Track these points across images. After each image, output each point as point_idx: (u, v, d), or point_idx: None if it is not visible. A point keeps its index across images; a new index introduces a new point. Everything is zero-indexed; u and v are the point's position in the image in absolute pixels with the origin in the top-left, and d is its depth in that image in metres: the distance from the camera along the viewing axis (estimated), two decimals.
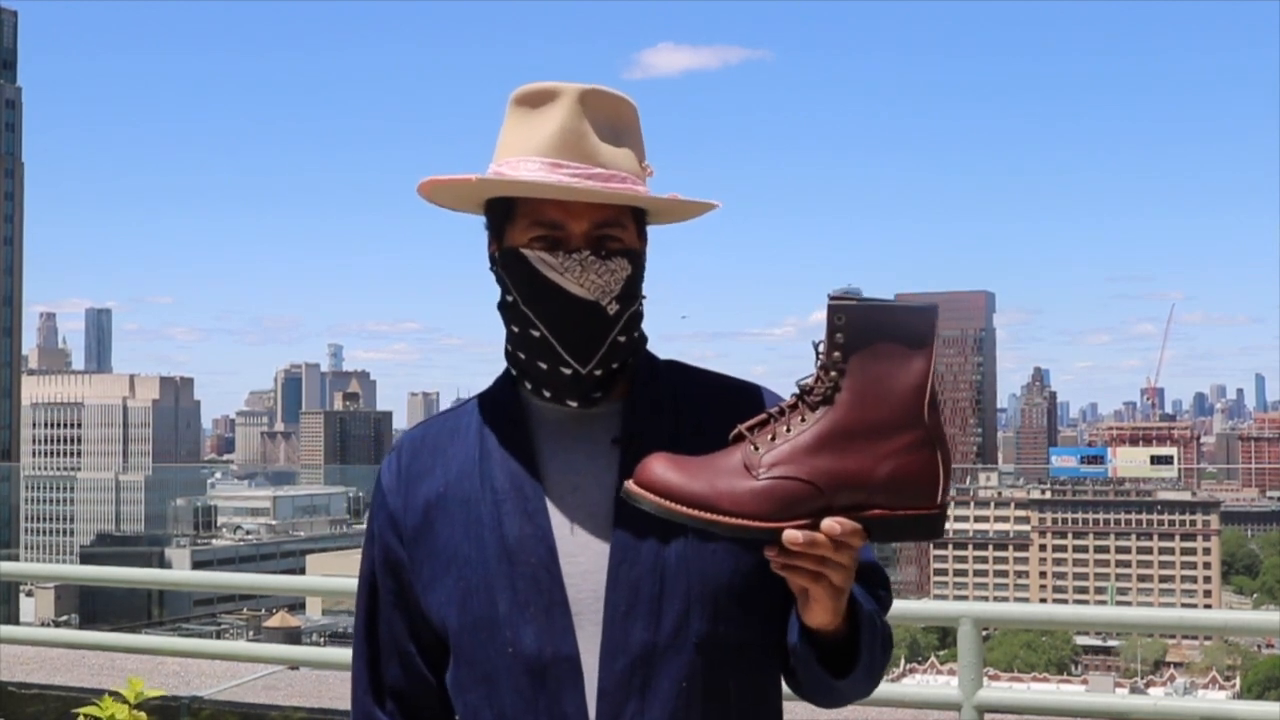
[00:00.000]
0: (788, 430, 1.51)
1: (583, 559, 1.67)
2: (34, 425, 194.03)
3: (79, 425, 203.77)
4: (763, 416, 1.54)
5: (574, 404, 1.71)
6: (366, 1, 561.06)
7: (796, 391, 1.54)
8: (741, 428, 1.53)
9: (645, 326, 1.77)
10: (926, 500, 1.50)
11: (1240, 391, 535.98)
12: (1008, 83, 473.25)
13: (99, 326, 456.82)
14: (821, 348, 1.51)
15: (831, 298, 1.50)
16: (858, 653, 1.63)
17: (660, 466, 1.51)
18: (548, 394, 1.72)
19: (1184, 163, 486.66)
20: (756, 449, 1.51)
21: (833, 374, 1.50)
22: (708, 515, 1.47)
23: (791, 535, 1.46)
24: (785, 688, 1.77)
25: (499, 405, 1.77)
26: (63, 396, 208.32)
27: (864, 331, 1.49)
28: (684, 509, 1.48)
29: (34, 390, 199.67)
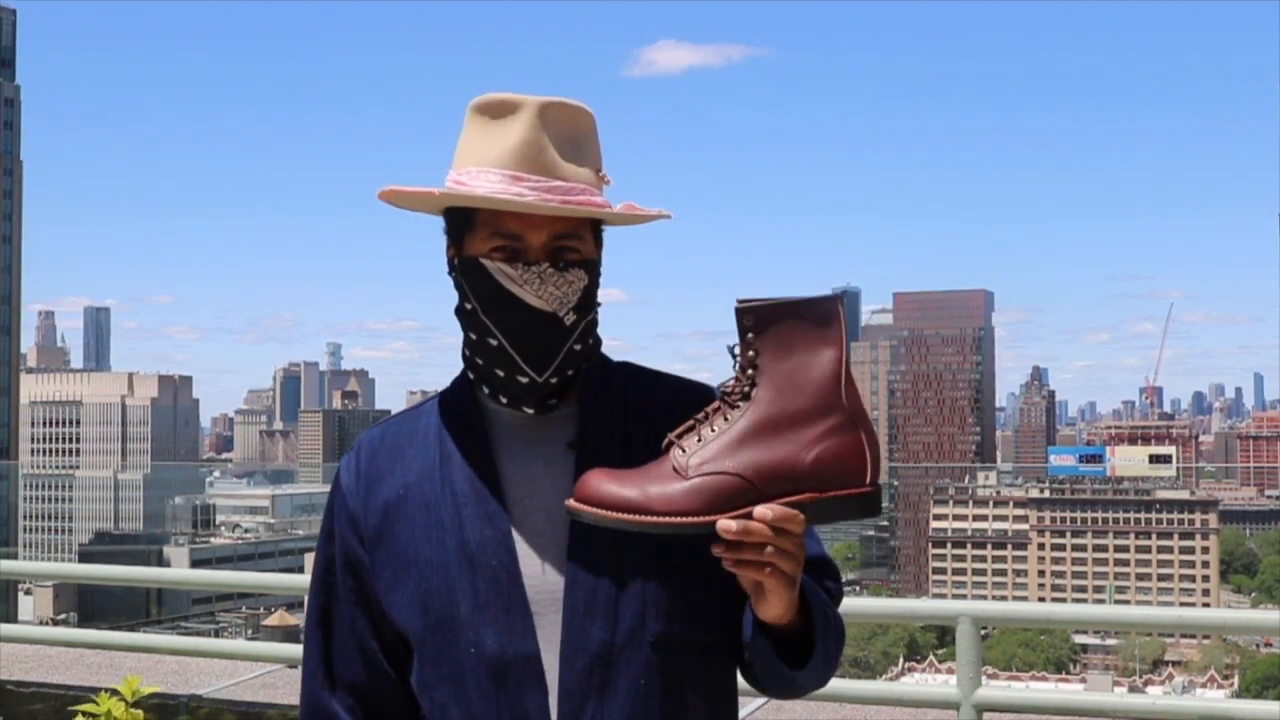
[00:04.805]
0: (712, 431, 1.56)
1: (542, 561, 1.70)
2: (32, 424, 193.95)
3: (77, 424, 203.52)
4: (689, 423, 1.59)
5: (530, 410, 1.75)
6: (366, 0, 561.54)
7: (718, 396, 1.60)
8: (670, 436, 1.58)
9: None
10: (856, 480, 1.54)
11: (1239, 390, 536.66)
12: (1008, 82, 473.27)
13: (98, 325, 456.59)
14: (736, 351, 1.58)
15: (739, 301, 1.56)
16: (813, 644, 1.67)
17: (596, 480, 1.56)
18: (504, 400, 1.76)
19: (1184, 162, 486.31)
20: (684, 452, 1.56)
21: (749, 373, 1.56)
22: (642, 518, 1.52)
23: (725, 524, 1.50)
24: (742, 682, 1.79)
25: (457, 408, 1.80)
26: (61, 395, 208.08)
27: (773, 328, 1.55)
28: (620, 515, 1.52)
29: (32, 389, 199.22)
